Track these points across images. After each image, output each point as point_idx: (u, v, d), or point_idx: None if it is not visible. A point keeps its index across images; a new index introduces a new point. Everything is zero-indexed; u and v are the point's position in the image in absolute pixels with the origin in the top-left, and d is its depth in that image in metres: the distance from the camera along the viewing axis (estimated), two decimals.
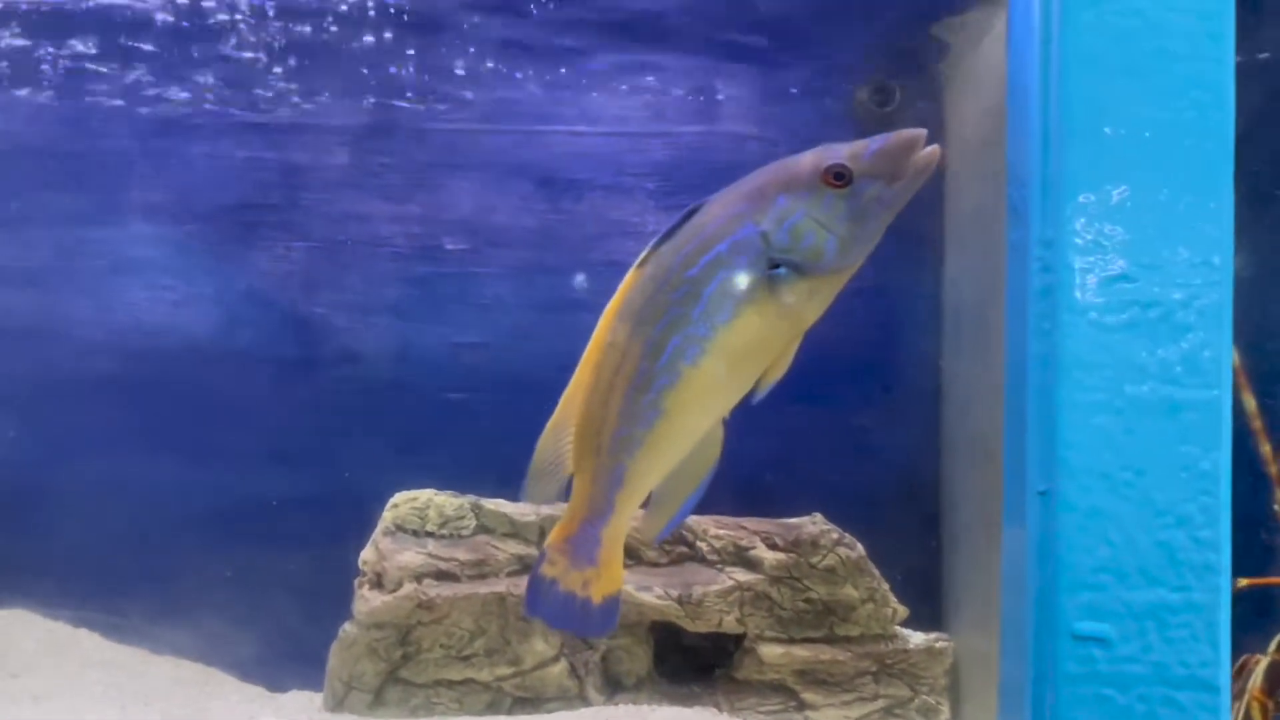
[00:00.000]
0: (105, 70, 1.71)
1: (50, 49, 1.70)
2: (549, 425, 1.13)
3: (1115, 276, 0.91)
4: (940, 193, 1.61)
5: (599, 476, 1.12)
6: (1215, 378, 0.90)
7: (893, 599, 1.48)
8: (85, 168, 1.72)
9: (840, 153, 1.04)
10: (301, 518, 1.69)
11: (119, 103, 1.71)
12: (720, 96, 1.68)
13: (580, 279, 1.71)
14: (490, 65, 1.71)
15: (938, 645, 1.48)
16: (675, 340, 1.08)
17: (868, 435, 1.67)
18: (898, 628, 1.49)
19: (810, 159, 1.06)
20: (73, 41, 1.70)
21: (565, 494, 1.16)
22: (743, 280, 1.06)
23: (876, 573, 1.48)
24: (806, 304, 1.06)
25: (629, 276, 1.11)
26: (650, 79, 1.67)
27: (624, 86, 1.67)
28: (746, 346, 1.08)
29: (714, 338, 1.07)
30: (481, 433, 1.70)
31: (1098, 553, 0.90)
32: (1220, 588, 0.90)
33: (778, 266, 1.05)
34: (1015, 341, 0.98)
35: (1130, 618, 0.90)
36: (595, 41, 1.67)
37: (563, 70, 1.70)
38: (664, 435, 1.10)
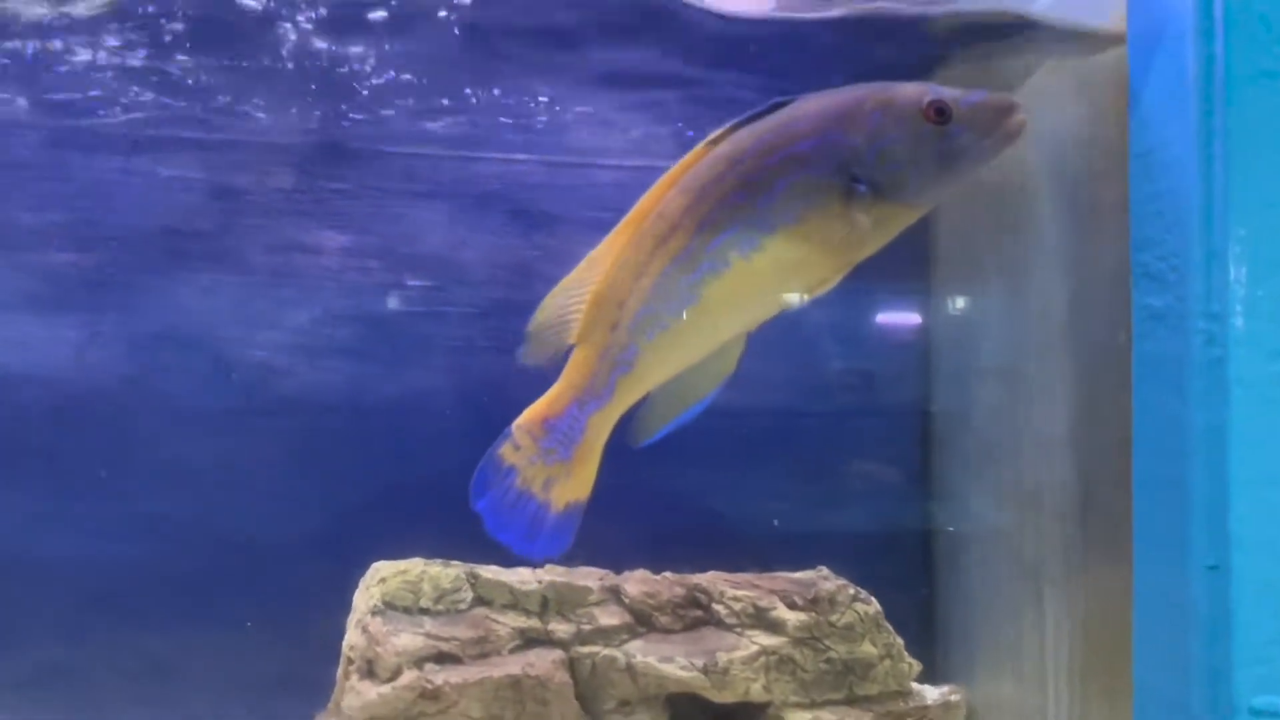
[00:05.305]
0: None
1: None
2: (561, 283, 1.04)
3: (1276, 350, 0.92)
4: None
5: (607, 353, 1.03)
6: None
7: (906, 654, 1.46)
8: None
9: (942, 92, 1.02)
10: (245, 592, 1.46)
11: None
12: None
13: None
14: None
15: (952, 699, 1.46)
16: (734, 228, 1.01)
17: (852, 482, 1.64)
18: (912, 683, 1.47)
19: (913, 89, 1.02)
20: None
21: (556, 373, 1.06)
22: (821, 184, 1.00)
23: (890, 628, 1.45)
24: (872, 230, 1.02)
25: (696, 150, 1.03)
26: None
27: None
28: (802, 254, 1.02)
29: (774, 234, 1.01)
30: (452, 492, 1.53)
31: (1268, 626, 0.90)
32: None
33: (858, 182, 1.00)
34: (1156, 410, 0.98)
35: None
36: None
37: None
38: (692, 325, 1.03)
